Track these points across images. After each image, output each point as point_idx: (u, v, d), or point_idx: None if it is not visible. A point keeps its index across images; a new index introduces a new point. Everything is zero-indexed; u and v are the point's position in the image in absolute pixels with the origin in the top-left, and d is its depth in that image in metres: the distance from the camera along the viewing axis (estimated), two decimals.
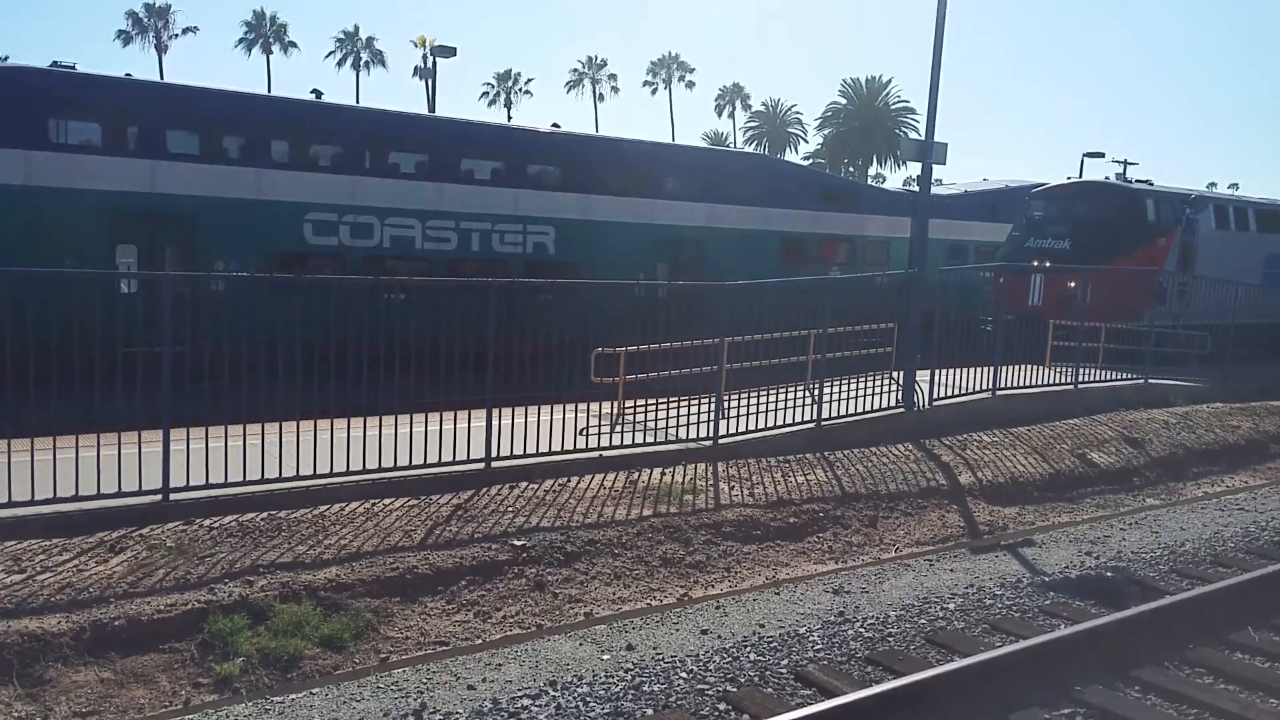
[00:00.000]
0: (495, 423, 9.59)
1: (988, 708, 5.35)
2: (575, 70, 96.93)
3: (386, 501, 8.67)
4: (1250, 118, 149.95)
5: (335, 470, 8.71)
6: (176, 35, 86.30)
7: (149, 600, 6.57)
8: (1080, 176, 31.14)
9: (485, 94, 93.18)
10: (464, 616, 7.23)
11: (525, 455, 9.81)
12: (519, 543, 8.11)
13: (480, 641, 6.85)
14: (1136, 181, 24.70)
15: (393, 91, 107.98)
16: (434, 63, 35.74)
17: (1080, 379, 15.33)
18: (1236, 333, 18.54)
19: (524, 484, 9.45)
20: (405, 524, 8.23)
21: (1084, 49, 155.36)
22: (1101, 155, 37.67)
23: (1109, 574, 8.14)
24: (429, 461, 9.22)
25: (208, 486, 8.15)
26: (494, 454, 9.59)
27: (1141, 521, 10.14)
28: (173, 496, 8.03)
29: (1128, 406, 15.20)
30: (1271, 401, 16.76)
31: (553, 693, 5.67)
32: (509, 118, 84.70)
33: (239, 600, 6.73)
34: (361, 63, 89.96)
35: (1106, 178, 26.85)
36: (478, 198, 20.74)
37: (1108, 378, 16.04)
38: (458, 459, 9.36)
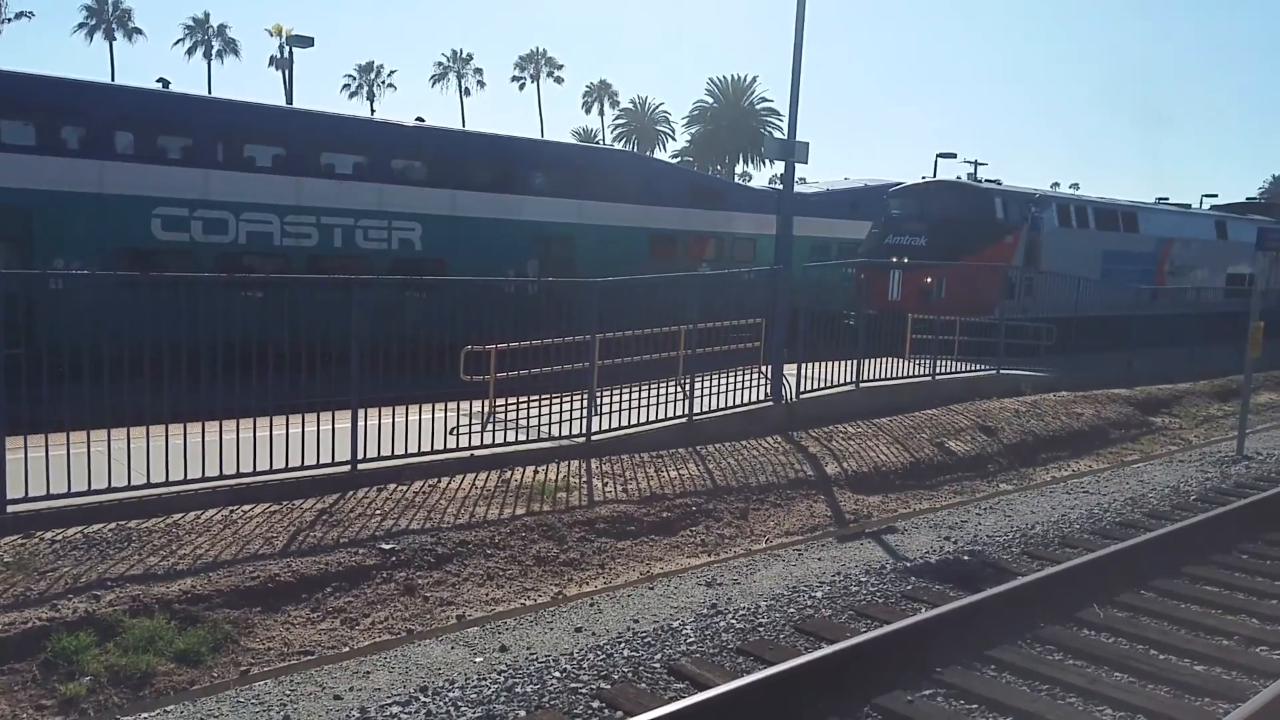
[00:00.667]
0: (361, 424, 9.34)
1: (853, 692, 5.48)
2: (440, 64, 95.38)
3: (246, 508, 8.32)
4: (1090, 120, 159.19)
5: (190, 477, 8.32)
6: (9, 20, 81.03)
7: None
8: (934, 176, 32.46)
9: (346, 86, 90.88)
10: (330, 624, 7.01)
11: (394, 456, 9.59)
12: (388, 546, 7.91)
13: (347, 649, 6.64)
14: (986, 181, 25.88)
15: (247, 82, 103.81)
16: (290, 53, 34.61)
17: (938, 370, 15.95)
18: (1079, 324, 19.60)
19: (392, 486, 9.23)
20: (266, 531, 7.92)
21: (937, 54, 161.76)
22: (954, 156, 39.43)
23: (966, 558, 8.47)
24: (291, 465, 8.90)
25: (49, 497, 7.67)
26: (360, 456, 9.34)
27: (996, 506, 10.59)
28: (10, 509, 7.53)
29: (982, 396, 15.90)
30: (1112, 389, 17.76)
31: (423, 699, 5.54)
32: (372, 111, 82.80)
33: (85, 616, 6.34)
34: (213, 52, 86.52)
35: (959, 177, 28.04)
36: (340, 193, 20.14)
37: (963, 369, 16.75)
38: (322, 462, 9.07)
